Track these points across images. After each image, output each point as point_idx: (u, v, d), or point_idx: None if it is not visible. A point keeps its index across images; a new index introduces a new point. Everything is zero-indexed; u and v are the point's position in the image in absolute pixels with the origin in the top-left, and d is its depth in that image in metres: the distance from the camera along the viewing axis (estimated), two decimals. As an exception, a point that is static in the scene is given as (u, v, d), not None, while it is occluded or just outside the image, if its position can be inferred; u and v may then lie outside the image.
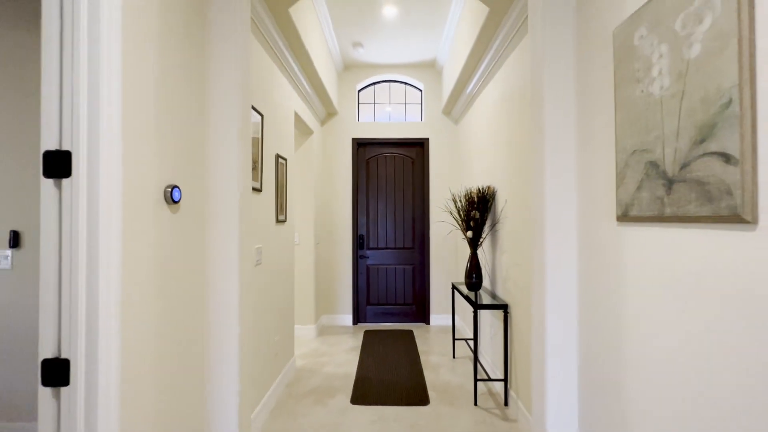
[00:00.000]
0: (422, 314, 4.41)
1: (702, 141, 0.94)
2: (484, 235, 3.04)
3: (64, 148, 1.03)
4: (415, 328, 4.28)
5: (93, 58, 1.03)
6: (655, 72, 1.10)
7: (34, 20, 2.09)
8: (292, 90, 3.11)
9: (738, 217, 0.84)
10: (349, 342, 3.79)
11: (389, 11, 3.26)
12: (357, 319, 4.38)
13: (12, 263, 2.07)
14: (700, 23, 0.94)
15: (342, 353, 3.47)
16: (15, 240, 2.06)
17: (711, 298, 0.93)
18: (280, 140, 2.76)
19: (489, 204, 2.85)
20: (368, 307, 4.41)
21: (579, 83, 1.57)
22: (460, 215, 2.98)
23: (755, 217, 0.82)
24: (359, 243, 4.40)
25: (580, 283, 1.57)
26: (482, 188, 2.90)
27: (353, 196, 4.38)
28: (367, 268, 4.41)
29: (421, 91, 4.52)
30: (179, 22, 1.41)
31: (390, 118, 4.55)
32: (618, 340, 1.31)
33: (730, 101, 0.86)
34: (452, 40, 3.57)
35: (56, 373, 1.01)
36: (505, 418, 2.32)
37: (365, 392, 2.66)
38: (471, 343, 3.51)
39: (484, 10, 2.32)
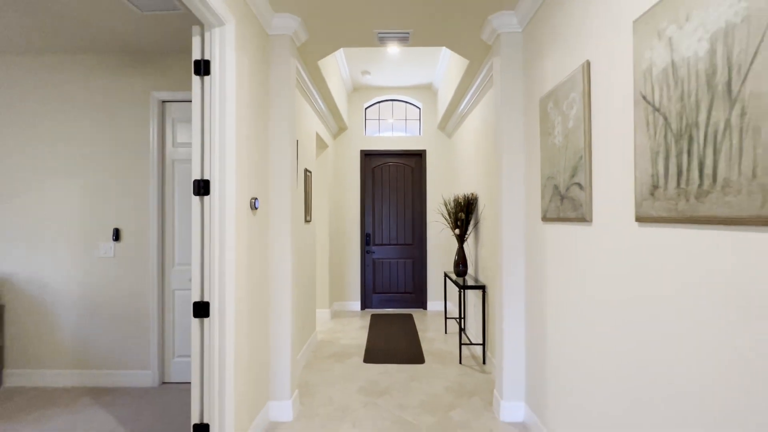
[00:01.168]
0: (420, 301, 5.13)
1: (573, 176, 1.65)
2: (468, 232, 3.76)
3: (205, 178, 1.75)
4: (414, 312, 5.00)
5: (222, 126, 1.75)
6: (556, 131, 1.82)
7: (120, 74, 2.81)
8: (314, 114, 3.83)
9: (584, 219, 1.56)
10: (359, 323, 4.51)
11: (393, 49, 3.98)
12: (364, 305, 5.11)
13: (114, 252, 2.79)
14: (572, 108, 1.66)
15: (353, 331, 4.19)
16: (117, 235, 2.79)
17: (575, 262, 1.65)
18: (307, 157, 3.48)
19: (472, 207, 3.57)
20: (374, 295, 5.13)
21: (525, 127, 2.29)
22: (450, 216, 3.70)
23: (591, 218, 1.53)
24: (366, 240, 5.12)
25: (525, 263, 2.28)
26: (467, 194, 3.62)
27: (361, 200, 5.10)
28: (373, 262, 5.13)
29: (419, 108, 5.24)
30: (257, 97, 2.14)
31: (393, 129, 5.26)
32: (541, 297, 2.03)
33: (581, 156, 1.58)
34: (446, 67, 4.28)
35: (202, 310, 1.73)
36: (482, 371, 3.04)
37: (374, 355, 3.38)
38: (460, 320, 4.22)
39: (466, 60, 3.04)
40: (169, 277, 2.82)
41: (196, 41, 1.76)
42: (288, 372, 2.32)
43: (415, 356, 3.36)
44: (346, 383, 2.82)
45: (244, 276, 1.95)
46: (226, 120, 1.76)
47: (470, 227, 3.75)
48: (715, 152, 0.93)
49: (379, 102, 5.25)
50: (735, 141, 0.87)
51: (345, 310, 5.07)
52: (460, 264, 3.56)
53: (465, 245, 4.02)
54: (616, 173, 1.36)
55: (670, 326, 1.09)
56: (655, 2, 1.13)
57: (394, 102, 5.26)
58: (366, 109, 5.24)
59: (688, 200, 1.01)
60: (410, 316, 4.76)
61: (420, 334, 4.07)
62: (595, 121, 1.51)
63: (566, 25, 1.75)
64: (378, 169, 5.19)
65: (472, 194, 3.61)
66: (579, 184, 1.60)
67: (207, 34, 1.76)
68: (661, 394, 1.12)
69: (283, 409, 2.30)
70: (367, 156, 5.19)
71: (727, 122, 0.89)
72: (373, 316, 4.77)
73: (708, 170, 0.95)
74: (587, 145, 1.54)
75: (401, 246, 5.14)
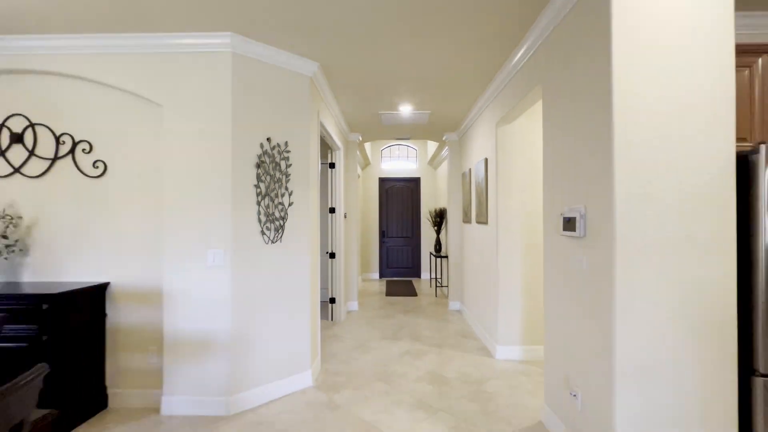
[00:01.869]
0: (417, 272, 8.09)
1: (469, 206, 4.63)
2: (442, 229, 6.72)
3: (332, 206, 4.72)
4: (413, 279, 7.96)
5: (339, 187, 4.73)
6: (463, 189, 4.80)
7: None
8: (357, 163, 6.81)
9: (470, 221, 4.53)
10: (379, 283, 7.48)
11: (400, 123, 6.94)
12: (381, 275, 8.07)
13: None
14: (468, 184, 4.64)
15: (376, 286, 7.16)
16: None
17: (467, 238, 4.62)
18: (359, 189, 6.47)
19: (444, 215, 6.54)
20: (387, 269, 8.09)
21: (460, 183, 5.26)
22: (432, 219, 6.67)
23: (471, 221, 4.51)
24: (382, 234, 8.08)
25: (460, 242, 5.25)
26: (441, 208, 6.61)
27: (379, 209, 8.06)
28: (387, 248, 8.09)
29: (416, 150, 8.20)
30: (345, 169, 5.13)
31: (398, 158, 8.21)
32: (462, 254, 5.01)
33: (470, 201, 4.55)
34: (430, 133, 7.24)
35: (332, 255, 4.70)
36: (445, 298, 6.01)
37: (390, 293, 6.35)
38: (436, 277, 7.19)
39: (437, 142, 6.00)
40: (292, 249, 5.80)
41: (329, 155, 4.74)
42: (356, 288, 5.29)
43: (412, 293, 6.33)
44: (378, 301, 5.80)
45: (343, 245, 4.92)
46: (340, 185, 4.74)
47: (443, 226, 6.72)
48: (484, 204, 3.90)
49: (389, 146, 8.23)
50: (486, 202, 3.84)
51: (369, 278, 8.04)
52: (437, 246, 6.53)
53: (440, 236, 6.99)
54: (474, 208, 4.33)
55: (482, 253, 4.06)
56: (475, 163, 4.11)
57: (400, 146, 8.24)
58: (381, 150, 8.22)
59: (479, 215, 3.99)
60: (410, 281, 7.73)
61: (415, 286, 7.04)
62: (472, 191, 4.48)
63: (467, 147, 4.73)
64: (390, 189, 8.15)
65: (444, 208, 6.58)
66: (470, 209, 4.57)
67: (333, 153, 4.73)
68: (476, 274, 4.09)
69: (353, 305, 5.27)
70: (382, 181, 8.15)
71: (486, 198, 3.87)
72: (387, 281, 7.74)
73: (482, 208, 3.92)
74: (468, 198, 4.51)
75: (404, 238, 8.10)
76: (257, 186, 2.67)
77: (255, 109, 2.66)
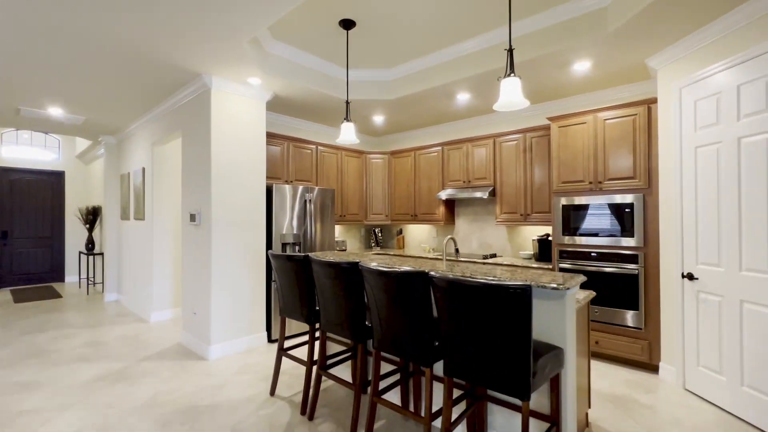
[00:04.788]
0: (60, 276, 7.31)
1: (134, 205, 5.30)
2: (95, 227, 6.68)
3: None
4: (54, 284, 7.16)
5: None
6: (129, 189, 5.41)
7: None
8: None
9: (129, 219, 5.23)
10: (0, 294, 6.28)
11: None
12: (2, 284, 6.70)
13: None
14: (131, 185, 5.30)
15: (-3, 297, 6.04)
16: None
17: (136, 237, 5.31)
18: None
19: (99, 212, 6.56)
20: (11, 275, 6.81)
21: (120, 183, 5.73)
22: (83, 218, 6.49)
23: (130, 218, 5.23)
24: (3, 235, 6.71)
25: (120, 240, 5.72)
26: (94, 206, 6.58)
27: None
28: (12, 252, 6.80)
29: (58, 140, 7.38)
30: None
31: (30, 144, 7.08)
32: (121, 252, 5.57)
33: (129, 201, 5.25)
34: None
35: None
36: (100, 294, 6.18)
37: (22, 300, 5.70)
38: (91, 278, 7.00)
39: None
40: None
41: None
42: None
43: (56, 296, 5.98)
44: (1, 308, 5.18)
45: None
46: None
47: (97, 224, 6.68)
48: (142, 203, 4.80)
49: (14, 130, 6.95)
50: (143, 202, 4.76)
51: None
52: (90, 245, 6.46)
53: (93, 234, 6.88)
54: (133, 207, 5.10)
55: (141, 245, 4.93)
56: (134, 169, 4.94)
57: (33, 132, 7.14)
58: (1, 134, 6.80)
59: (137, 213, 4.86)
60: (50, 286, 6.94)
61: (58, 290, 6.53)
62: (131, 192, 5.20)
63: (127, 151, 5.36)
64: (16, 182, 6.90)
65: (99, 205, 6.59)
66: (129, 208, 5.26)
67: None
68: (136, 263, 4.94)
69: None
70: (2, 171, 6.78)
71: (143, 199, 4.78)
72: (12, 290, 6.57)
73: (140, 207, 4.81)
74: (128, 198, 5.22)
75: (41, 238, 7.11)
76: None
77: None
